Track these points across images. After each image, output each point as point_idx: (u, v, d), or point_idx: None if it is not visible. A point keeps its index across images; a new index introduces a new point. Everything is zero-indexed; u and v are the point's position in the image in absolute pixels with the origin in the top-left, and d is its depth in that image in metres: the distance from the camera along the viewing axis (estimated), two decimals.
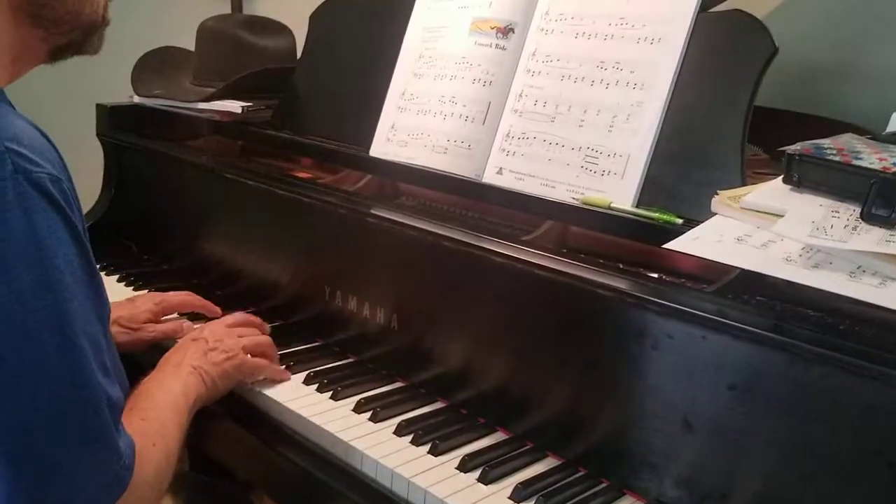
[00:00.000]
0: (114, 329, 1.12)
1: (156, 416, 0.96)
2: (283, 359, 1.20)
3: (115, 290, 1.46)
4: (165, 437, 0.94)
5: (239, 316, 1.24)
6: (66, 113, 2.08)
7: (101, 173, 1.71)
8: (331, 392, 1.13)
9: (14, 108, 0.84)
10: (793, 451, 0.82)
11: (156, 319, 1.30)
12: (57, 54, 0.94)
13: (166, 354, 1.12)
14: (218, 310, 1.34)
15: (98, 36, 0.95)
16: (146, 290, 1.44)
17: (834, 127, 1.15)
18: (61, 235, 0.77)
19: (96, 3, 0.92)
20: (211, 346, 1.11)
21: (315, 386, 1.15)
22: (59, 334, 0.76)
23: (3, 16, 0.85)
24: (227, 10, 2.33)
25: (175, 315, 1.34)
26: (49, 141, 0.82)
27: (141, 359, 1.20)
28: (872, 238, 0.82)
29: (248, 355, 1.14)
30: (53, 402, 0.76)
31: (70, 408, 0.77)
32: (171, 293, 1.36)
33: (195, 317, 1.35)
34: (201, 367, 1.08)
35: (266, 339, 1.20)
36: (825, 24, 1.39)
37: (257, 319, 1.25)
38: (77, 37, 0.93)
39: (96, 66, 0.98)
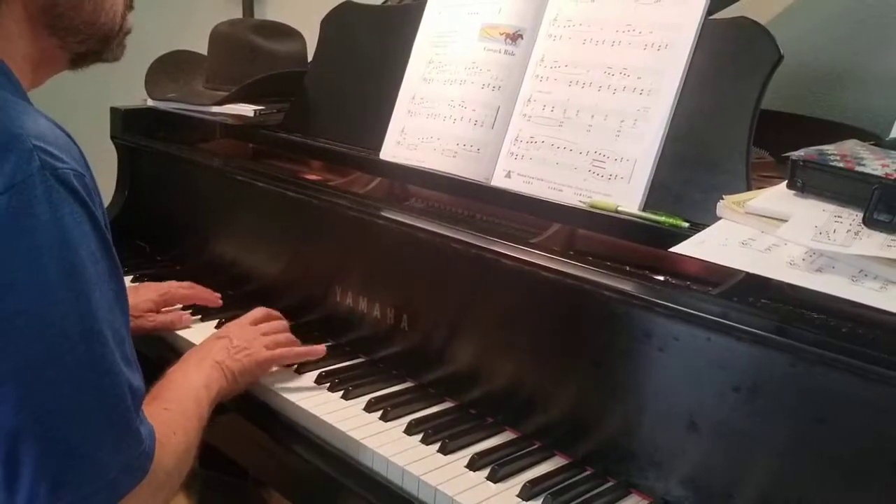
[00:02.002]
0: None
1: (178, 407, 0.99)
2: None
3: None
4: (186, 428, 0.97)
5: (258, 313, 1.26)
6: (80, 116, 2.10)
7: (115, 175, 1.74)
8: (342, 391, 1.15)
9: (36, 109, 0.86)
10: (796, 452, 0.84)
11: (157, 309, 1.35)
12: (77, 62, 0.96)
13: (191, 349, 1.16)
14: (217, 296, 1.39)
15: (118, 44, 0.97)
16: None
17: (838, 130, 1.16)
18: (85, 228, 0.80)
19: (113, 13, 0.93)
20: (234, 343, 1.16)
21: (327, 385, 1.17)
22: (83, 323, 0.78)
23: (21, 26, 0.88)
24: (240, 14, 2.35)
25: (178, 306, 1.39)
26: (70, 138, 0.84)
27: (148, 352, 1.23)
28: (874, 243, 0.83)
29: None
30: (76, 389, 0.78)
31: (93, 394, 0.79)
32: (175, 283, 1.40)
33: (197, 308, 1.39)
34: (224, 363, 1.12)
35: (287, 336, 1.24)
36: (829, 28, 1.40)
37: (276, 313, 1.28)
38: (94, 45, 0.94)
39: (111, 69, 1.00)
